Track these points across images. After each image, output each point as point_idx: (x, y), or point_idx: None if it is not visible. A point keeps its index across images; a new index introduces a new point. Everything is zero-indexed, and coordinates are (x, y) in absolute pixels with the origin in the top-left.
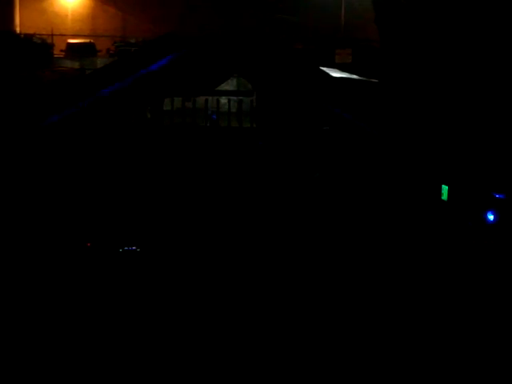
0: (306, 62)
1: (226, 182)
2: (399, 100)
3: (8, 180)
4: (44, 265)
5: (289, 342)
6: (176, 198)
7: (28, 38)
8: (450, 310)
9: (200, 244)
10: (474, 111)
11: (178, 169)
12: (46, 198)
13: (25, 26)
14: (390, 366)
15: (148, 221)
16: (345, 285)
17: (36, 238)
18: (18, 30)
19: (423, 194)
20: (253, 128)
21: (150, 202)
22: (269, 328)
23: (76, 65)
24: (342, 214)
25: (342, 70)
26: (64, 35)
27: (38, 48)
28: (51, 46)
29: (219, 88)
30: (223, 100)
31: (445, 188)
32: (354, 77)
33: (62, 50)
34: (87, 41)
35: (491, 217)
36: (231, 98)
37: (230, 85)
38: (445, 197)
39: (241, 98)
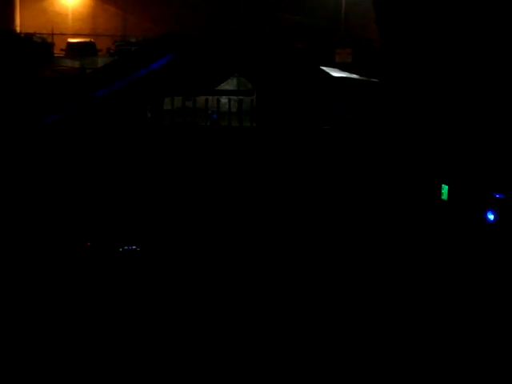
0: (306, 62)
1: (226, 181)
2: (399, 100)
3: (8, 178)
4: (44, 264)
5: (288, 340)
6: (176, 197)
7: (28, 38)
8: (449, 308)
9: (200, 243)
10: (474, 111)
11: (178, 168)
12: (46, 196)
13: (25, 25)
14: (389, 365)
15: (148, 220)
16: (345, 283)
17: (36, 237)
18: (18, 29)
19: (423, 194)
20: (253, 127)
21: (150, 201)
22: (269, 327)
23: (76, 64)
24: (342, 213)
25: (342, 69)
26: (64, 34)
27: (38, 47)
28: (51, 46)
29: (219, 87)
30: (223, 99)
31: (445, 188)
32: (354, 76)
33: (62, 50)
34: (87, 40)
35: (491, 217)
36: (231, 97)
37: (230, 84)
38: (445, 196)
39: (241, 97)
